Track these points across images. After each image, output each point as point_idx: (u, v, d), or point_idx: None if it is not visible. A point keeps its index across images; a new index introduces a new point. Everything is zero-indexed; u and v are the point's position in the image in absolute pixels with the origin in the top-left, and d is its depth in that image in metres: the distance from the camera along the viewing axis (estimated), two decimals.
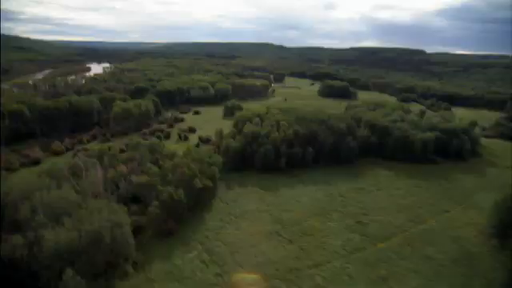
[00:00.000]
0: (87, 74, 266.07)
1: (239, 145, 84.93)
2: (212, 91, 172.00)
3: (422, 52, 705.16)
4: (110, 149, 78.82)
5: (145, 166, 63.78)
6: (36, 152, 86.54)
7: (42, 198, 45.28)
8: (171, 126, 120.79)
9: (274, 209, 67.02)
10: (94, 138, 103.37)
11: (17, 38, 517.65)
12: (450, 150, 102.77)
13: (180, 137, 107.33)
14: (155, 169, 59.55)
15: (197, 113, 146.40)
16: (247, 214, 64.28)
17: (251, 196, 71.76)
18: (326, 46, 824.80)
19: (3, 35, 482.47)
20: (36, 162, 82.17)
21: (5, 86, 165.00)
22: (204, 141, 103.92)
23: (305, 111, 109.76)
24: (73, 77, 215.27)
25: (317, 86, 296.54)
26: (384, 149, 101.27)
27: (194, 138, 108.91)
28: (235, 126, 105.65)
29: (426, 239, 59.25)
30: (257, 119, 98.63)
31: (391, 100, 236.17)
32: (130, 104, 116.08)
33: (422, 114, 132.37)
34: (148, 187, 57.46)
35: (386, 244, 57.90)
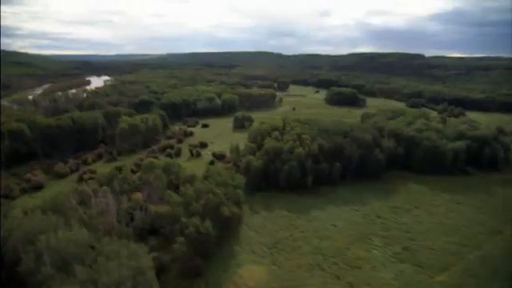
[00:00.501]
0: (87, 88, 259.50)
1: (261, 162, 77.56)
2: (219, 102, 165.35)
3: (421, 56, 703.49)
4: (120, 170, 71.33)
5: (163, 192, 56.29)
6: (38, 175, 78.92)
7: (48, 242, 37.65)
8: (180, 141, 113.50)
9: (310, 236, 59.38)
10: (100, 157, 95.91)
11: (15, 54, 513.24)
12: (482, 160, 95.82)
13: (192, 153, 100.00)
14: (176, 197, 51.96)
15: (205, 126, 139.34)
16: (281, 243, 56.59)
17: (280, 221, 64.14)
18: (322, 53, 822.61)
19: (2, 51, 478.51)
20: (38, 187, 74.50)
21: (4, 102, 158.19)
22: (218, 157, 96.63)
23: (325, 122, 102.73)
24: (73, 91, 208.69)
25: (322, 93, 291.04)
26: (411, 161, 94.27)
27: (206, 155, 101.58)
28: (250, 140, 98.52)
29: (489, 268, 51.65)
30: (276, 133, 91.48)
31: (400, 106, 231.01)
32: (137, 119, 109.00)
33: (443, 120, 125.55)
34: (170, 218, 49.87)
35: (444, 276, 50.27)
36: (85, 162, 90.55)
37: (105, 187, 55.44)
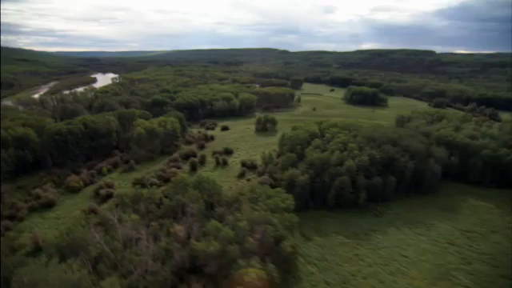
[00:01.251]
0: (94, 86, 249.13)
1: (308, 177, 66.69)
2: (237, 102, 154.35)
3: (431, 52, 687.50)
4: (142, 185, 60.79)
5: (202, 220, 45.68)
6: (48, 190, 68.57)
7: None
8: (202, 146, 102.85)
9: (381, 271, 48.63)
10: (116, 166, 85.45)
11: (20, 51, 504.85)
12: None
13: (218, 162, 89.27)
14: (227, 231, 41.13)
15: (225, 128, 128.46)
16: (350, 283, 45.87)
17: (340, 250, 53.40)
18: (327, 50, 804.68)
19: (7, 48, 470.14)
20: (49, 205, 64.17)
21: (8, 102, 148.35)
22: (249, 166, 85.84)
23: (366, 129, 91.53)
24: (81, 89, 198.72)
25: (337, 92, 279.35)
26: (468, 172, 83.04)
27: (233, 163, 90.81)
28: (284, 147, 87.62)
29: None
30: (317, 141, 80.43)
31: (423, 106, 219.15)
32: (154, 123, 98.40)
33: (491, 124, 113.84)
34: (218, 257, 39.26)
35: None
36: (99, 172, 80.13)
37: (133, 216, 44.88)
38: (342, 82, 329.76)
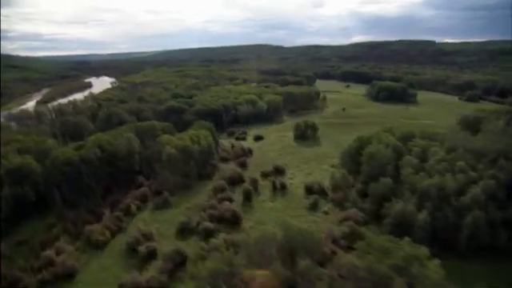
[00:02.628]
0: (91, 91, 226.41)
1: (427, 214, 48.01)
2: (263, 105, 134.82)
3: (432, 42, 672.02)
4: (202, 234, 41.38)
5: None
6: (63, 249, 48.81)
7: None
8: (243, 164, 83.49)
9: None
10: (145, 199, 65.72)
11: (7, 57, 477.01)
12: None
13: (274, 186, 70.03)
14: None
15: (259, 138, 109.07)
16: None
17: None
18: (323, 44, 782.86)
19: None
20: (67, 275, 44.42)
21: None
22: (316, 191, 66.85)
23: (456, 138, 72.67)
24: (79, 96, 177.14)
25: (354, 88, 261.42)
26: None
27: (294, 187, 71.56)
28: (357, 165, 68.76)
29: None
30: (410, 159, 61.48)
31: (453, 100, 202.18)
32: (185, 139, 78.66)
33: None
34: None
35: None
36: (127, 212, 60.31)
37: None
38: (354, 77, 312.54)
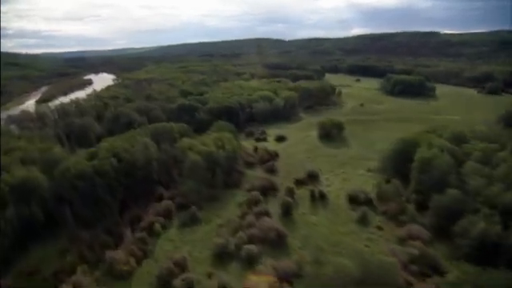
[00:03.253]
0: (93, 88, 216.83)
1: (499, 229, 40.17)
2: (280, 103, 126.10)
3: (436, 34, 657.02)
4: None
5: None
6: (80, 281, 40.67)
7: None
8: (272, 170, 75.24)
9: None
10: (169, 215, 57.46)
11: (5, 55, 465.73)
12: None
13: (313, 196, 61.95)
14: None
15: (282, 138, 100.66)
16: None
17: None
18: (321, 37, 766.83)
19: None
20: None
21: None
22: (361, 201, 58.81)
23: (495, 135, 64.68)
24: (81, 94, 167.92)
25: (364, 82, 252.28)
26: None
27: (334, 196, 63.36)
28: (409, 171, 60.54)
29: None
30: (472, 164, 53.37)
31: (471, 93, 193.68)
32: (209, 143, 70.30)
33: None
34: None
35: None
36: (150, 232, 52.11)
37: None
38: (361, 71, 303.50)
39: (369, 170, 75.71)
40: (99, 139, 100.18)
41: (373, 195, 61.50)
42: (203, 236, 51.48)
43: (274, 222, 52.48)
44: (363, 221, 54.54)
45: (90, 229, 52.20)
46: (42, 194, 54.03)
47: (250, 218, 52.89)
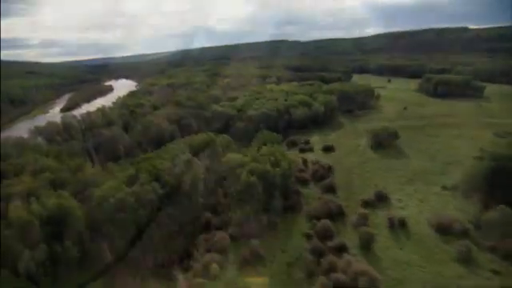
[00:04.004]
0: (116, 95, 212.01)
1: None
2: (320, 108, 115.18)
3: (465, 29, 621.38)
4: None
5: None
6: None
7: None
8: (330, 189, 64.58)
9: None
10: (223, 250, 47.66)
11: (29, 64, 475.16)
12: None
13: (392, 225, 50.95)
14: None
15: (329, 149, 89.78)
16: None
17: None
18: (338, 37, 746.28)
19: (16, 62, 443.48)
20: None
21: (22, 127, 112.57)
22: (451, 232, 47.40)
23: None
24: (103, 101, 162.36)
25: (395, 82, 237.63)
26: None
27: (414, 222, 52.22)
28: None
29: None
30: None
31: None
32: (261, 159, 60.42)
33: None
34: None
35: None
36: (205, 272, 42.39)
37: None
38: (391, 71, 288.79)
39: (443, 187, 64.10)
40: (128, 151, 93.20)
41: (467, 223, 49.93)
42: (271, 281, 41.44)
43: (359, 262, 41.87)
44: (468, 260, 43.19)
45: (130, 268, 43.14)
46: (74, 224, 45.45)
47: (331, 258, 42.27)
